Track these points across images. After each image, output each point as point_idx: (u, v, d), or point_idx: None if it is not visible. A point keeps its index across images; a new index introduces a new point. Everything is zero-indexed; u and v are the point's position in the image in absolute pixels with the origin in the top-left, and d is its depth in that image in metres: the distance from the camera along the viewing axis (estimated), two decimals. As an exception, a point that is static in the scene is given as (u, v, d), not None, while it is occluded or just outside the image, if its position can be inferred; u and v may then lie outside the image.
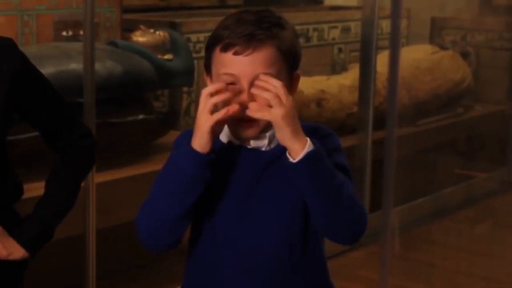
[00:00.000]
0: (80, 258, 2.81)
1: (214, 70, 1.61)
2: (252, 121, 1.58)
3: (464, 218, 4.51)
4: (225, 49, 1.57)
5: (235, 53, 1.56)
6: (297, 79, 1.65)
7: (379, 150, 3.68)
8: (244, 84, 1.56)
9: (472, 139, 5.22)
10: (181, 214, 1.58)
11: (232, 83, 1.57)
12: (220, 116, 1.54)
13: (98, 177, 2.81)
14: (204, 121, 1.54)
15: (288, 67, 1.61)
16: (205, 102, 1.54)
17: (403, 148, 3.22)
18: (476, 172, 5.03)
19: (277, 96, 1.52)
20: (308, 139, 1.54)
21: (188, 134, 1.62)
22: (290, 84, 1.62)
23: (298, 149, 1.53)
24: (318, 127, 1.67)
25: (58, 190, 1.96)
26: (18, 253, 1.89)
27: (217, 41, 1.59)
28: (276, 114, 1.52)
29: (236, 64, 1.56)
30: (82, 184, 2.70)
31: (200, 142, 1.55)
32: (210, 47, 1.61)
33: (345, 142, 3.95)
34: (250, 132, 1.60)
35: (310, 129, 1.63)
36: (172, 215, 1.59)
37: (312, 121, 4.10)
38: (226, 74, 1.57)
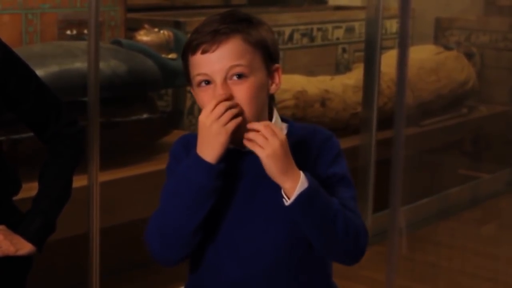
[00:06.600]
0: (84, 256, 2.81)
1: (191, 76, 1.59)
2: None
3: (469, 219, 4.50)
4: (194, 51, 1.56)
5: (203, 52, 1.55)
6: (277, 71, 1.62)
7: (383, 150, 3.66)
8: (218, 80, 1.54)
9: (477, 139, 5.21)
10: (195, 227, 1.56)
11: (208, 82, 1.56)
12: (234, 125, 1.51)
13: (102, 176, 2.81)
14: (217, 131, 1.51)
15: (263, 59, 1.58)
16: (219, 110, 1.51)
17: (407, 148, 3.21)
18: (481, 173, 5.01)
19: (265, 135, 1.50)
20: (301, 175, 1.51)
21: (186, 141, 1.62)
22: (270, 76, 1.60)
23: (289, 188, 1.51)
24: (316, 130, 1.65)
25: (53, 182, 1.96)
26: (25, 248, 1.89)
27: (188, 47, 1.59)
28: (260, 152, 1.50)
29: (206, 63, 1.55)
30: (86, 183, 2.74)
31: (213, 153, 1.52)
32: (184, 56, 1.60)
33: (349, 142, 3.95)
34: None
35: (309, 132, 1.62)
36: (186, 229, 1.56)
37: (315, 121, 4.14)
38: (199, 74, 1.56)
